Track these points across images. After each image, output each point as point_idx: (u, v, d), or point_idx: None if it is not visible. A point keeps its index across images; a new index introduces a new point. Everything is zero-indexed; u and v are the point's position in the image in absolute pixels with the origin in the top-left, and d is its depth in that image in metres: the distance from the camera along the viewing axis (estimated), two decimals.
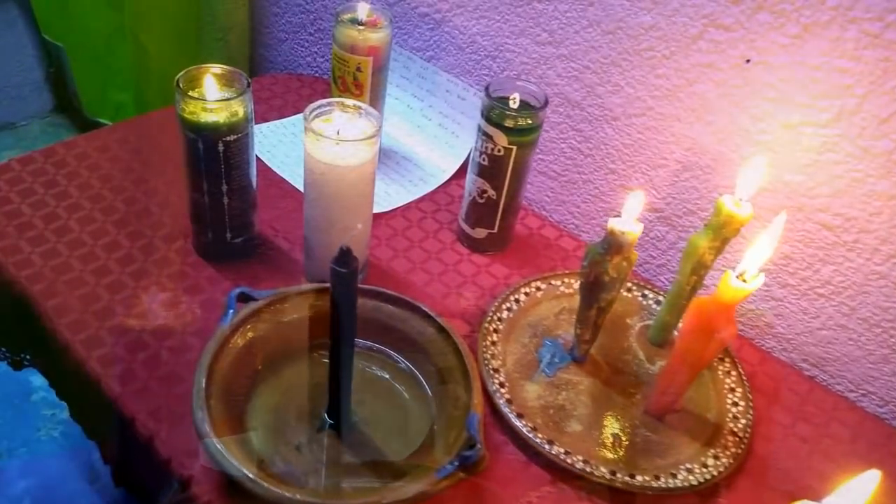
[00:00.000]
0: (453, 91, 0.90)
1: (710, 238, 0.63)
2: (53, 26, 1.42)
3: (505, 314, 0.71)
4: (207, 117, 0.62)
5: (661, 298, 0.76)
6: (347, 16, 0.80)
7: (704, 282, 0.65)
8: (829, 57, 0.60)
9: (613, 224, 0.57)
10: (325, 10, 0.99)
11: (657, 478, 0.59)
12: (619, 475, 0.59)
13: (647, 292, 0.77)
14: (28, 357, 0.88)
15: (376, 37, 0.78)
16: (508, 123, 0.70)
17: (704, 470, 0.60)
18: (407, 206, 0.85)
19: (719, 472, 0.60)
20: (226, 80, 0.66)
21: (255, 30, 1.10)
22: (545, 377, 0.67)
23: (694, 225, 0.76)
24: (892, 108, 0.59)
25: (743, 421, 0.65)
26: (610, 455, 0.61)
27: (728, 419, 0.65)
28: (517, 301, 0.73)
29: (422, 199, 0.87)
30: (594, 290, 0.62)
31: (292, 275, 0.74)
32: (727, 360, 0.71)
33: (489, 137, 0.71)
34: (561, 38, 0.76)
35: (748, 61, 0.65)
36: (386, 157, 0.91)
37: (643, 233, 0.80)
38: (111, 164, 0.83)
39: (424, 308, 0.62)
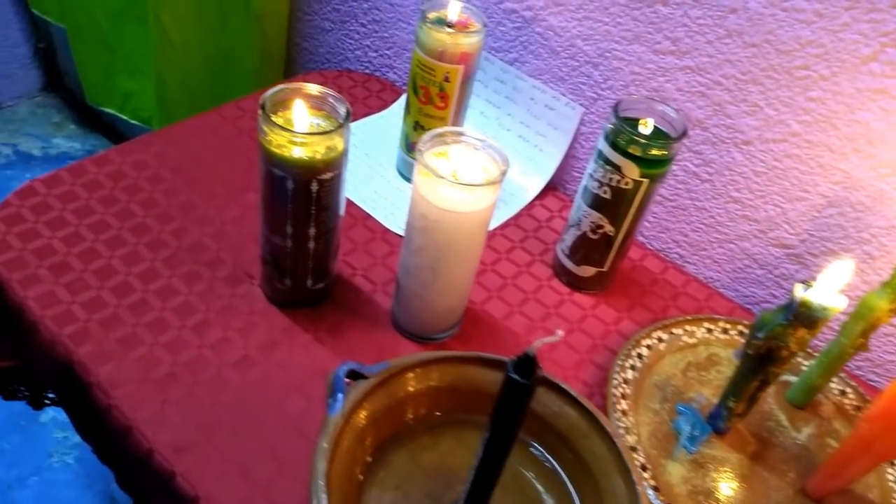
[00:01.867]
0: (539, 99, 0.79)
1: (890, 299, 0.54)
2: (46, 1, 1.27)
3: (630, 374, 0.62)
4: (302, 153, 0.51)
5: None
6: (434, 14, 0.68)
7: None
8: None
9: (810, 296, 0.47)
10: None
11: None
12: None
13: None
14: (52, 397, 0.78)
15: (469, 42, 0.66)
16: (641, 153, 0.59)
17: None
18: (491, 234, 0.75)
19: None
20: (316, 103, 0.54)
21: (293, 16, 0.96)
22: (687, 454, 0.58)
23: None
24: None
25: None
26: None
27: (895, 500, 0.57)
28: (640, 357, 0.64)
29: (505, 225, 0.76)
30: (764, 362, 0.53)
31: (378, 323, 0.63)
32: None
33: (615, 168, 0.61)
34: (688, 47, 0.66)
35: None
36: None
37: (766, 269, 0.71)
38: (151, 185, 0.71)
39: (563, 385, 0.52)
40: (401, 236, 0.71)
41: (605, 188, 0.62)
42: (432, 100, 0.70)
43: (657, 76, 0.69)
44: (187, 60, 0.95)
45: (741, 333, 0.68)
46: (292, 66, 1.02)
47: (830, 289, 0.47)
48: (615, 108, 0.60)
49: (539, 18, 0.74)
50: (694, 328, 0.68)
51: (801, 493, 0.57)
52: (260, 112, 0.51)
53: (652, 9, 0.66)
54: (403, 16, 0.86)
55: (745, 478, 0.57)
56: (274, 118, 0.52)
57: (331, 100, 0.53)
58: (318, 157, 0.51)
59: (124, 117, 1.18)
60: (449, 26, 0.67)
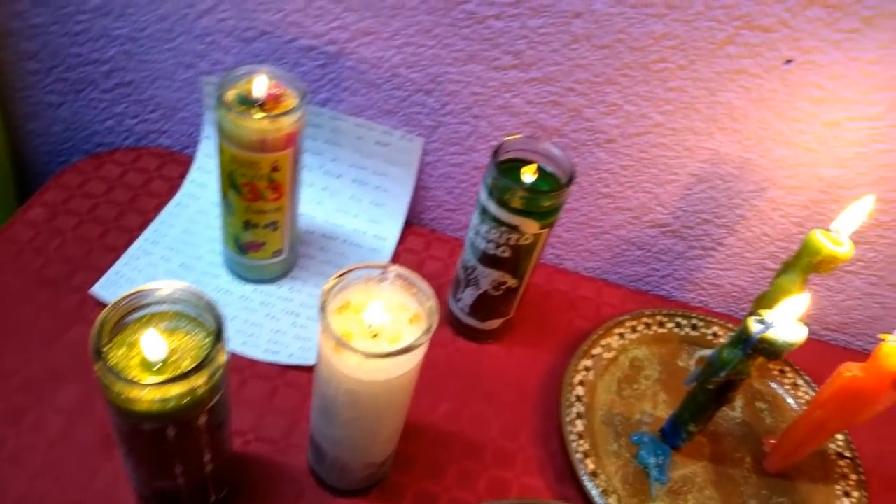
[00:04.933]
0: (368, 137, 0.67)
1: (800, 279, 0.55)
2: None
3: (579, 425, 0.58)
4: (179, 398, 0.36)
5: (696, 322, 0.69)
6: (232, 93, 0.53)
7: None
8: (891, 49, 0.52)
9: (773, 334, 0.46)
10: (129, 57, 0.66)
11: None
12: None
13: (679, 319, 0.69)
14: None
15: (293, 120, 0.53)
16: (532, 206, 0.53)
17: None
18: None
19: None
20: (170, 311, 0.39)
21: (3, 98, 0.71)
22: (662, 486, 0.57)
23: (709, 233, 0.68)
24: None
25: (840, 438, 0.62)
26: None
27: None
28: (579, 399, 0.60)
29: None
30: (724, 391, 0.52)
31: (304, 492, 0.52)
32: (788, 371, 0.67)
33: (512, 228, 0.53)
34: (532, 59, 0.58)
35: (789, 62, 0.55)
36: (296, 241, 0.68)
37: (644, 249, 0.71)
38: None
39: None
40: (270, 364, 0.58)
41: (504, 248, 0.55)
42: (262, 194, 0.56)
43: (502, 93, 0.61)
44: None
45: (647, 326, 0.68)
46: (21, 154, 0.77)
47: (790, 321, 0.46)
48: (495, 159, 0.52)
49: (347, 52, 0.61)
50: (609, 340, 0.65)
51: (762, 474, 0.59)
52: (98, 364, 0.35)
53: (484, 24, 0.57)
54: (161, 72, 0.67)
55: (717, 484, 0.58)
56: (118, 362, 0.36)
57: (191, 301, 0.39)
58: (202, 390, 0.37)
59: None
60: (260, 106, 0.53)
